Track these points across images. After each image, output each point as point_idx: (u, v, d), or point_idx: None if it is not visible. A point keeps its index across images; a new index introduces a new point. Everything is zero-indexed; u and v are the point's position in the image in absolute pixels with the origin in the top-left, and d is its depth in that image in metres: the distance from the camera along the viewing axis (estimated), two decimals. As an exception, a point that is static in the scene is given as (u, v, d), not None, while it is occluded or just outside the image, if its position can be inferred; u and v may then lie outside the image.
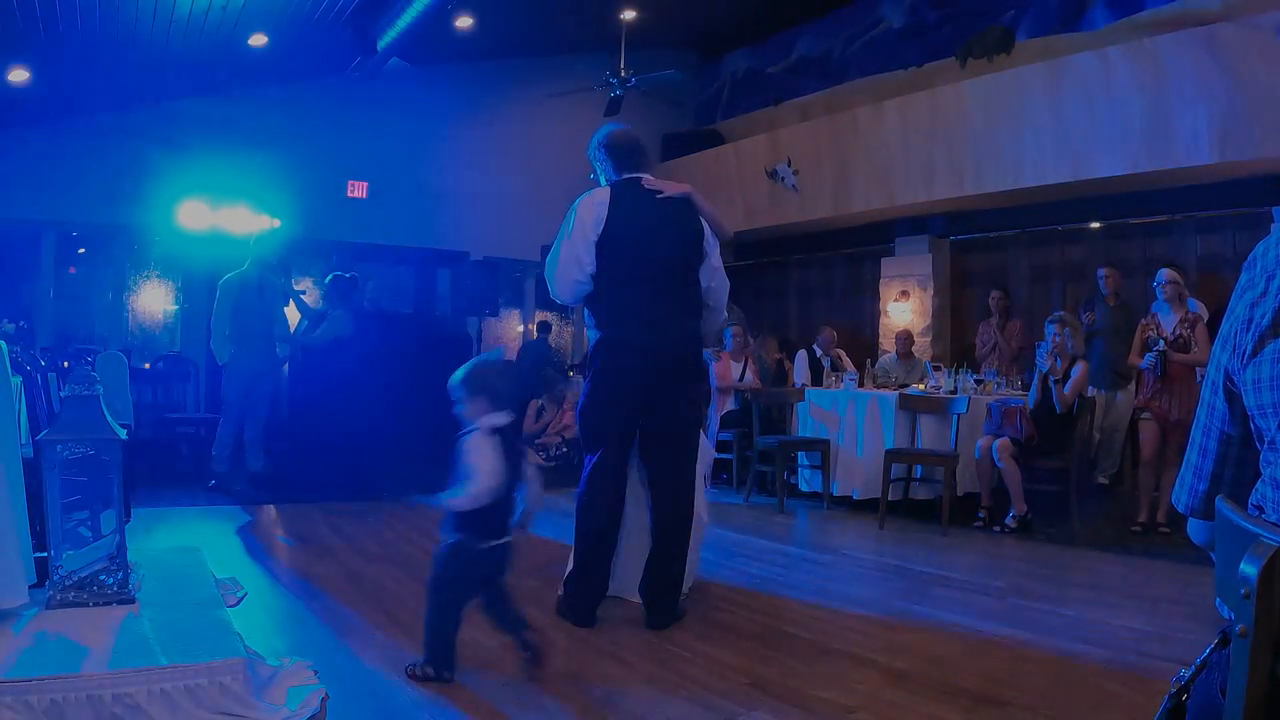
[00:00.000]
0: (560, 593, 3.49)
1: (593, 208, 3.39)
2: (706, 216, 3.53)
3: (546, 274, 3.50)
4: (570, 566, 3.48)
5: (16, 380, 2.84)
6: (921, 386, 6.88)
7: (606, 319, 3.42)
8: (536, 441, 8.59)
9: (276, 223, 8.96)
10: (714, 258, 3.57)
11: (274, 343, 6.76)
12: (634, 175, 3.51)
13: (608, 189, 3.48)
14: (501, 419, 2.68)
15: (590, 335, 3.51)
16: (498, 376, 2.76)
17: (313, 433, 6.83)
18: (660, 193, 3.46)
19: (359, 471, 6.94)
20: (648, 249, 3.37)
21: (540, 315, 11.47)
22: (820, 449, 6.51)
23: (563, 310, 11.35)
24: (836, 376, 7.19)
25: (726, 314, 4.05)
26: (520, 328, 11.46)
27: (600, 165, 3.60)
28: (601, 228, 3.35)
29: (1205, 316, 5.60)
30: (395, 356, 8.07)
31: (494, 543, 2.66)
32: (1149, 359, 5.36)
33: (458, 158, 10.54)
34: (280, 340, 6.88)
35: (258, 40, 7.64)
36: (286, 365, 7.40)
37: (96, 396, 2.73)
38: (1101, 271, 6.93)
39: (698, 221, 3.50)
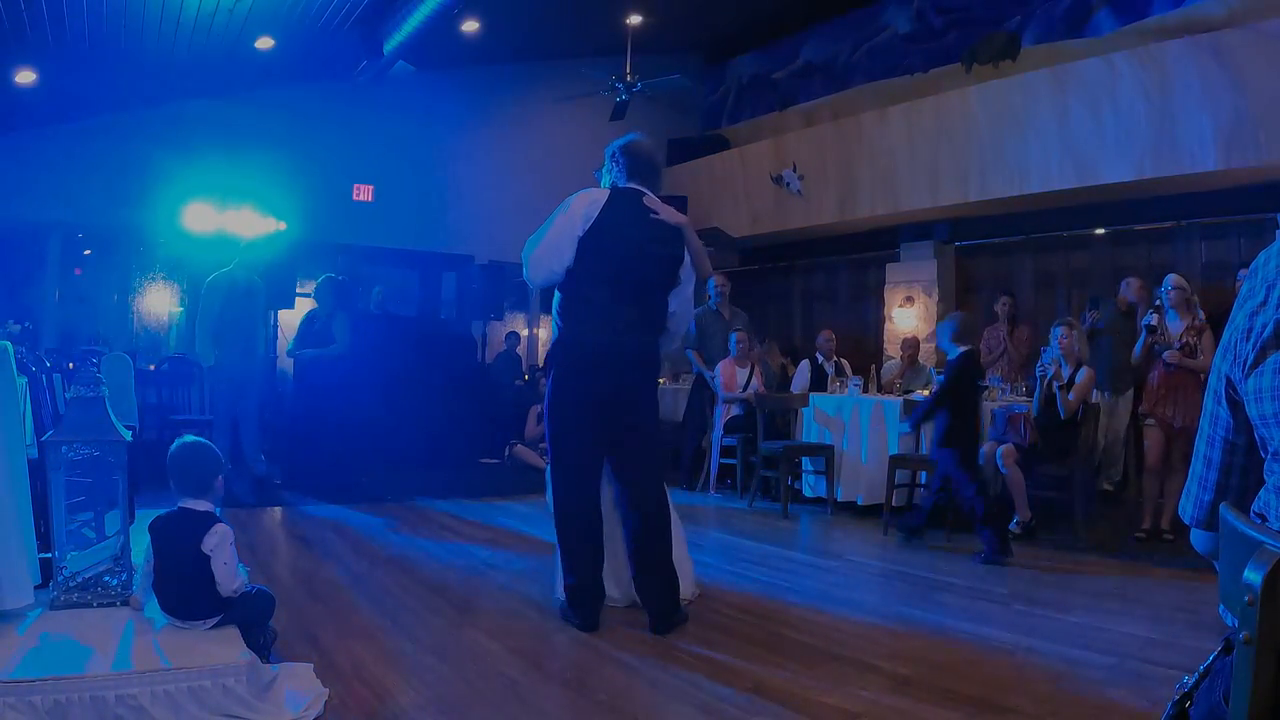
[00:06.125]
0: (562, 597, 3.50)
1: (587, 204, 3.45)
2: (692, 251, 3.61)
3: (524, 253, 3.53)
4: (562, 572, 3.49)
5: (22, 381, 2.85)
6: (926, 393, 6.86)
7: (570, 316, 3.48)
8: (541, 445, 8.61)
9: (282, 225, 8.98)
10: (687, 288, 3.65)
11: (258, 345, 6.64)
12: (638, 189, 3.56)
13: (607, 191, 3.55)
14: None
15: (554, 333, 3.57)
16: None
17: (316, 435, 6.82)
18: (655, 213, 3.51)
19: (363, 474, 6.95)
20: (625, 258, 3.43)
21: (545, 319, 11.48)
22: (824, 454, 6.51)
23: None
24: (841, 382, 7.18)
25: (681, 342, 4.07)
26: (526, 331, 11.45)
27: (612, 166, 3.64)
28: (589, 225, 3.41)
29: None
30: (400, 359, 8.10)
31: None
32: (1147, 319, 5.35)
33: (463, 161, 10.57)
34: (266, 342, 6.78)
35: (264, 43, 7.67)
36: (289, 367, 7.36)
37: (101, 398, 2.75)
38: (1130, 280, 6.80)
39: (680, 250, 3.57)
